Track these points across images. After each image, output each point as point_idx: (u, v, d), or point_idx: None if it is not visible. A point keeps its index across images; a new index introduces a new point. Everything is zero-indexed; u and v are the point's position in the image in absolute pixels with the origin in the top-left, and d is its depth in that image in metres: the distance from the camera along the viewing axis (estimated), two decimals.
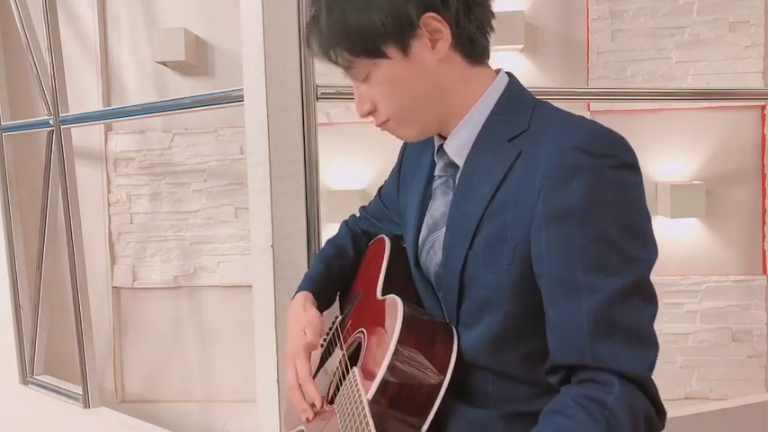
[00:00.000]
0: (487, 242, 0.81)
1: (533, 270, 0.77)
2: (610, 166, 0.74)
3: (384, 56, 0.83)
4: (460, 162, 0.88)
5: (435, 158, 0.94)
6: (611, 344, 0.71)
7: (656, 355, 0.73)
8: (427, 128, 0.89)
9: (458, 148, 0.88)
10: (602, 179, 0.74)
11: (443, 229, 0.88)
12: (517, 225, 0.78)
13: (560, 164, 0.75)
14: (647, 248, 0.75)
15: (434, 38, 0.83)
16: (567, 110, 0.85)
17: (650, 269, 0.75)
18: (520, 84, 0.90)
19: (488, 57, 0.89)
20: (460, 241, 0.84)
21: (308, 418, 0.91)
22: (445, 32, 0.83)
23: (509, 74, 0.90)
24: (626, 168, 0.76)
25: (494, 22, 0.89)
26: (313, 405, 0.91)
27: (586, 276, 0.72)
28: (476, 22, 0.85)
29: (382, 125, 0.89)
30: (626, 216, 0.74)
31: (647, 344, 0.72)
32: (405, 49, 0.82)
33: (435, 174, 0.94)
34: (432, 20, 0.82)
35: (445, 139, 0.90)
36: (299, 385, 0.93)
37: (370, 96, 0.87)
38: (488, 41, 0.88)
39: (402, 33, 0.82)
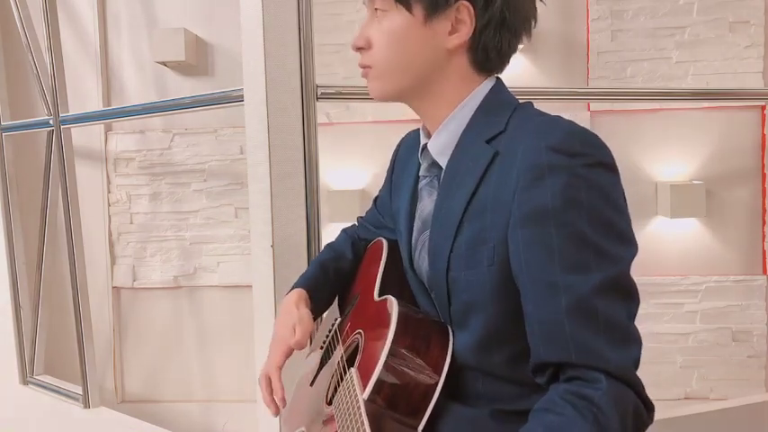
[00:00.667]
0: (468, 244, 0.81)
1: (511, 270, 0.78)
2: (583, 165, 0.75)
3: (408, 8, 0.84)
4: (443, 162, 0.89)
5: (420, 159, 0.95)
6: (594, 340, 0.71)
7: (640, 351, 0.73)
8: (400, 94, 0.90)
9: (440, 148, 0.89)
10: (576, 178, 0.74)
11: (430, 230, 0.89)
12: (495, 226, 0.79)
13: (534, 164, 0.75)
14: (624, 245, 0.75)
15: (457, 26, 0.84)
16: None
17: (629, 266, 0.75)
18: (504, 86, 0.91)
19: (497, 72, 0.90)
20: (444, 242, 0.84)
21: (275, 412, 0.95)
22: (468, 27, 0.84)
23: (497, 77, 0.91)
24: (600, 167, 0.76)
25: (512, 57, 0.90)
26: (276, 401, 0.95)
27: (564, 275, 0.72)
28: (498, 42, 0.86)
29: (364, 69, 0.90)
30: (601, 214, 0.74)
31: (630, 340, 0.73)
32: (428, 16, 0.84)
33: (420, 174, 0.95)
34: (465, 9, 0.83)
35: (430, 137, 0.91)
36: (268, 376, 0.97)
37: (371, 35, 0.88)
38: (501, 65, 0.90)
39: (434, 2, 0.83)
